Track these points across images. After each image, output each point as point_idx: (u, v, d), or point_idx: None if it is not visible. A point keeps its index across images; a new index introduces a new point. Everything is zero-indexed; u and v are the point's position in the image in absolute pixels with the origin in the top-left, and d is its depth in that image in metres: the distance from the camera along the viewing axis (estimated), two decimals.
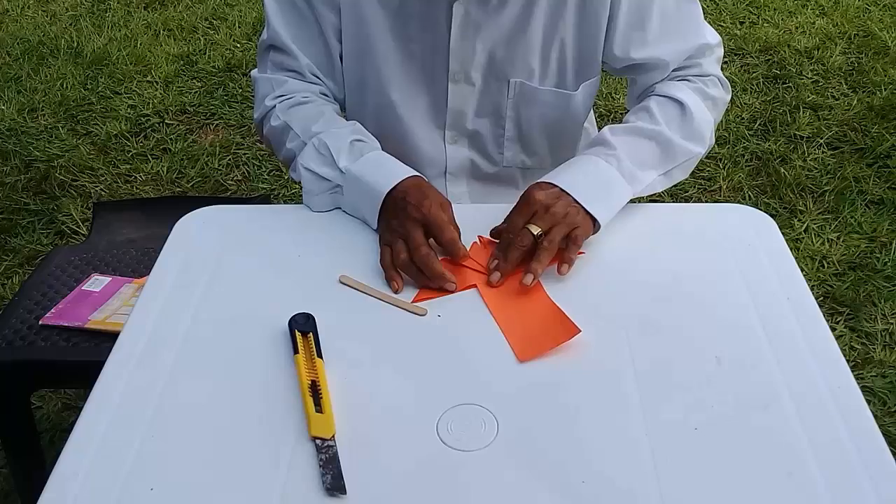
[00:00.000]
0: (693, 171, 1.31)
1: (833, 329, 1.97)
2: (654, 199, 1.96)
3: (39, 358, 1.42)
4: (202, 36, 3.39)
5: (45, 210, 2.52)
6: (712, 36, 1.29)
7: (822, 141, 2.72)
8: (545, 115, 1.30)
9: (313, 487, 0.81)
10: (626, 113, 1.27)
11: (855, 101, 2.89)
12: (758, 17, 3.43)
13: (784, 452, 0.84)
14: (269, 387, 0.92)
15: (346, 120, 1.26)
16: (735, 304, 1.02)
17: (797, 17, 3.42)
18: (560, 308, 1.01)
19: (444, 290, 1.05)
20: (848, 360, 1.04)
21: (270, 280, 1.07)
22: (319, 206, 1.18)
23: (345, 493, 0.81)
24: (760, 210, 1.19)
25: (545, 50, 1.24)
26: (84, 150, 2.76)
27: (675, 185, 1.26)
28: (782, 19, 3.41)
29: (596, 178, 1.14)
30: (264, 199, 2.44)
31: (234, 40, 3.36)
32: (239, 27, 3.44)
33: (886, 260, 2.28)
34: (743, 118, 2.85)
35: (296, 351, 0.94)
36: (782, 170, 2.61)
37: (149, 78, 3.13)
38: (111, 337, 1.01)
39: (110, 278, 1.53)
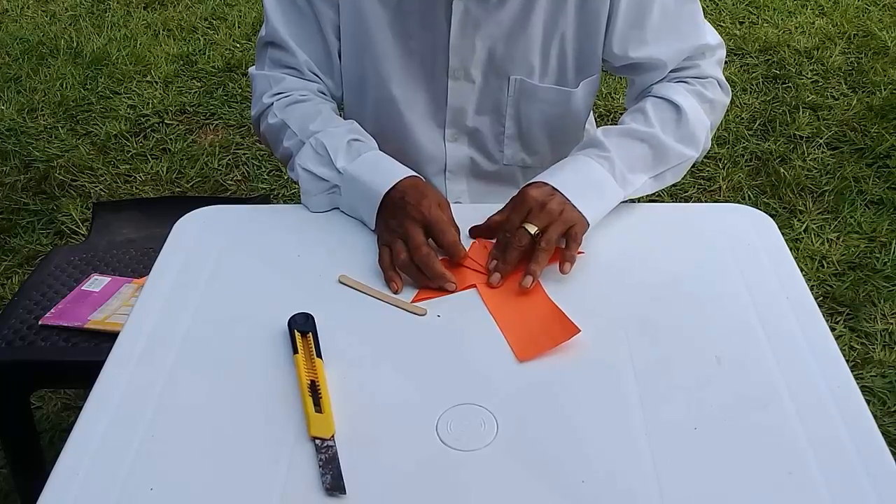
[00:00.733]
0: (693, 171, 1.31)
1: (833, 329, 1.97)
2: (653, 199, 1.96)
3: (39, 358, 1.42)
4: (202, 36, 3.39)
5: (45, 210, 2.52)
6: (713, 37, 1.28)
7: (821, 141, 2.72)
8: (545, 113, 1.30)
9: (313, 487, 0.81)
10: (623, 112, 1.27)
11: (854, 101, 2.90)
12: (757, 17, 3.43)
13: (784, 452, 0.84)
14: (268, 387, 0.92)
15: (346, 118, 1.26)
16: (735, 304, 1.02)
17: (797, 17, 3.42)
18: (559, 308, 1.01)
19: (443, 290, 1.05)
20: (848, 360, 1.04)
21: (270, 280, 1.07)
22: (317, 207, 1.18)
23: (344, 493, 0.81)
24: (760, 210, 1.19)
25: (545, 47, 1.24)
26: (84, 150, 2.76)
27: (674, 185, 1.27)
28: (782, 19, 3.41)
29: (588, 178, 1.14)
30: (264, 199, 2.44)
31: (233, 40, 3.36)
32: (239, 27, 3.44)
33: (886, 260, 2.28)
34: (743, 118, 2.85)
35: (295, 351, 0.94)
36: (782, 170, 2.61)
37: (148, 78, 3.13)
38: (111, 337, 1.01)
39: (110, 278, 1.53)
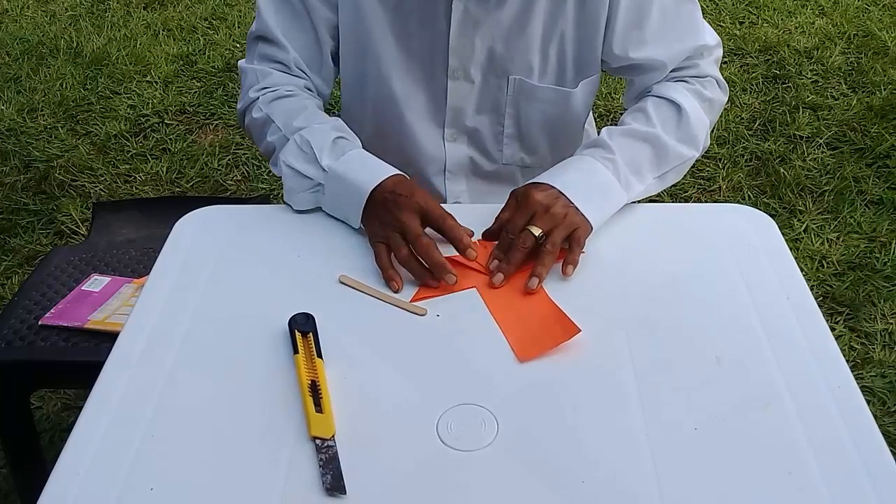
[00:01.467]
0: (693, 171, 1.31)
1: (833, 329, 1.97)
2: (654, 199, 1.95)
3: (39, 358, 1.42)
4: (202, 36, 3.39)
5: (45, 210, 2.52)
6: (711, 37, 1.28)
7: (821, 141, 2.72)
8: (544, 112, 1.30)
9: (313, 487, 0.81)
10: (623, 112, 1.27)
11: (854, 101, 2.90)
12: (757, 17, 3.43)
13: (784, 452, 0.84)
14: (269, 387, 0.92)
15: (344, 119, 1.25)
16: (735, 304, 1.02)
17: (797, 17, 3.42)
18: (560, 308, 1.01)
19: (443, 289, 1.05)
20: (848, 360, 1.04)
21: (270, 280, 1.07)
22: (300, 205, 1.17)
23: (344, 493, 0.81)
24: (760, 210, 1.19)
25: (544, 47, 1.24)
26: (84, 150, 2.76)
27: (674, 185, 1.27)
28: (782, 19, 3.41)
29: (592, 180, 1.14)
30: (264, 199, 2.44)
31: (233, 40, 3.36)
32: (238, 27, 3.44)
33: (886, 260, 2.28)
34: (742, 118, 2.84)
35: (296, 351, 0.94)
36: (782, 170, 2.61)
37: (148, 78, 3.13)
38: (111, 337, 1.01)
39: (110, 278, 1.53)
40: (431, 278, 1.05)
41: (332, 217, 1.16)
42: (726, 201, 2.48)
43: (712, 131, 1.28)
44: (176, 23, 3.48)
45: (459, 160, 1.35)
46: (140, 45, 3.33)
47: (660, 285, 1.05)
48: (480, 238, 1.13)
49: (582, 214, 1.09)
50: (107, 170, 2.68)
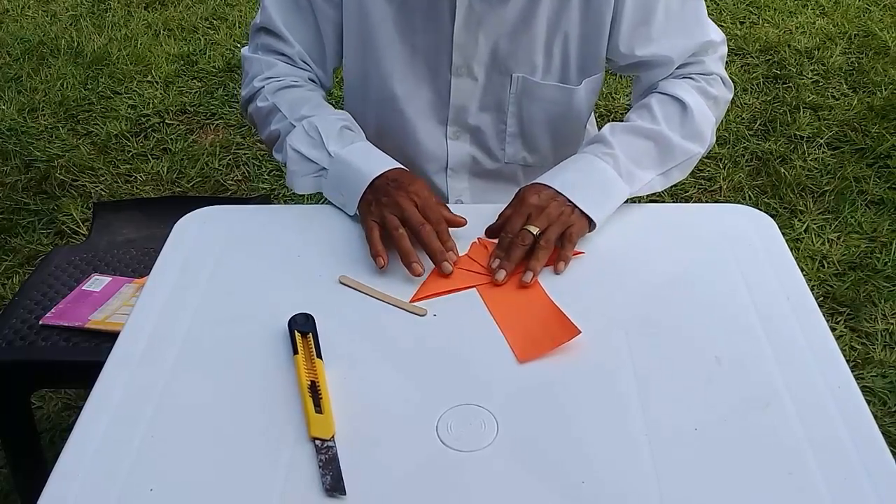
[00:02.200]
0: (693, 171, 1.31)
1: (833, 329, 1.97)
2: (654, 199, 1.96)
3: (39, 358, 1.42)
4: (202, 36, 3.39)
5: (45, 210, 2.52)
6: (716, 33, 1.29)
7: (822, 141, 2.72)
8: (547, 111, 1.30)
9: (313, 488, 0.81)
10: (627, 111, 1.27)
11: (855, 101, 2.89)
12: (758, 17, 3.43)
13: (784, 452, 0.84)
14: (268, 387, 0.92)
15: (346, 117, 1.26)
16: (735, 304, 1.02)
17: (797, 17, 3.42)
18: (560, 309, 1.01)
19: (443, 289, 1.04)
20: (848, 360, 1.04)
21: (270, 280, 1.07)
22: (302, 189, 1.19)
23: (344, 493, 0.81)
24: (760, 210, 1.19)
25: (548, 44, 1.24)
26: (84, 150, 2.76)
27: (675, 185, 1.26)
28: (782, 19, 3.41)
29: (592, 177, 1.14)
30: (264, 199, 2.43)
31: (234, 40, 3.35)
32: (239, 27, 3.44)
33: (886, 260, 2.28)
34: (743, 118, 2.84)
35: (295, 351, 0.94)
36: (782, 170, 2.60)
37: (149, 78, 3.13)
38: (111, 337, 1.01)
39: (110, 278, 1.53)
40: (417, 261, 1.05)
41: (333, 217, 1.16)
42: (727, 201, 2.48)
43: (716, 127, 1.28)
44: (177, 23, 3.48)
45: (461, 158, 1.35)
46: (141, 45, 3.33)
47: (660, 285, 1.05)
48: (482, 237, 1.14)
49: (581, 213, 1.10)
50: (107, 170, 2.68)
